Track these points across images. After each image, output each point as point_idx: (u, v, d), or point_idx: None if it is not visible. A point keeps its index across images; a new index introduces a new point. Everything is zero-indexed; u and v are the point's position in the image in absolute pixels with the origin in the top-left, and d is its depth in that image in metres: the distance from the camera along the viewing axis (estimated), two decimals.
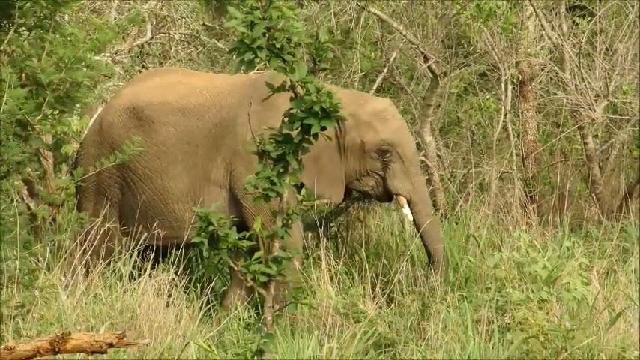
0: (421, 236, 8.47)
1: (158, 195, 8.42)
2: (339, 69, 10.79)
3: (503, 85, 10.54)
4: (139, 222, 8.40)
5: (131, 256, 8.13)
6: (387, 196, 8.57)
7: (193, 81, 8.67)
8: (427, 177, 10.01)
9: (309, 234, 8.85)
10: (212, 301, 8.17)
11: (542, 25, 10.42)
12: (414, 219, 8.51)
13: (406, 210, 8.47)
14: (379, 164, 8.48)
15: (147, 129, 8.44)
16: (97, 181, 8.51)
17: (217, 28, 11.22)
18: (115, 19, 10.22)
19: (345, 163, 8.47)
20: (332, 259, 8.52)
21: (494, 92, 11.09)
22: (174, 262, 8.14)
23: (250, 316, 8.10)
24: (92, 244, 8.10)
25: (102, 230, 8.21)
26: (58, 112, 7.44)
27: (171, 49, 11.11)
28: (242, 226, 7.86)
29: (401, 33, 10.46)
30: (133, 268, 8.04)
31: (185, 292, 8.02)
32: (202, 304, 7.89)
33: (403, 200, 8.47)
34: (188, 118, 8.44)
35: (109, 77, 9.75)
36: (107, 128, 8.56)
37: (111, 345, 5.69)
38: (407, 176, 8.48)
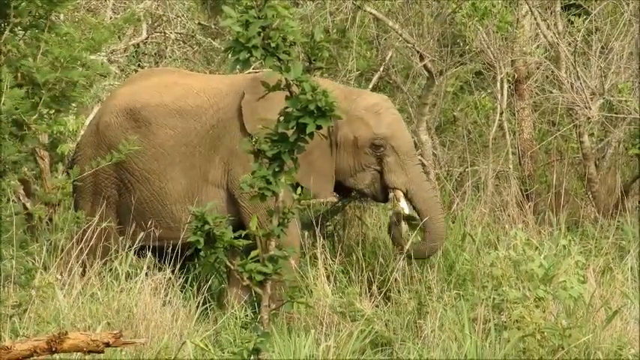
0: (424, 224, 8.43)
1: (156, 196, 8.42)
2: (334, 68, 10.79)
3: (499, 83, 10.55)
4: (136, 223, 8.41)
5: (127, 256, 8.13)
6: (383, 194, 8.55)
7: (190, 82, 8.67)
8: None
9: (306, 233, 8.85)
10: (209, 301, 8.16)
11: (537, 24, 10.43)
12: (415, 208, 8.48)
13: (402, 204, 8.44)
14: (373, 159, 8.46)
15: (144, 131, 8.43)
16: (94, 181, 8.51)
17: (213, 27, 11.22)
18: (110, 18, 10.22)
19: (338, 160, 8.46)
20: (328, 257, 8.51)
21: (490, 91, 11.10)
22: (170, 261, 8.14)
23: (247, 315, 8.10)
24: (88, 244, 8.10)
25: (98, 230, 8.21)
26: (53, 111, 7.43)
27: (166, 48, 11.11)
28: (240, 225, 7.87)
29: (396, 32, 10.45)
30: (130, 267, 8.04)
31: (182, 291, 8.02)
32: (199, 303, 7.89)
33: (399, 194, 8.45)
34: (186, 120, 8.44)
35: (105, 77, 9.74)
36: (104, 129, 8.55)
37: (108, 344, 5.70)
38: (402, 169, 8.46)
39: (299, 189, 6.23)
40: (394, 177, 8.46)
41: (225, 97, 8.45)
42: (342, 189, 8.67)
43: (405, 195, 8.45)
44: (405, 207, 8.44)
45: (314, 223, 8.66)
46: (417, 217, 8.48)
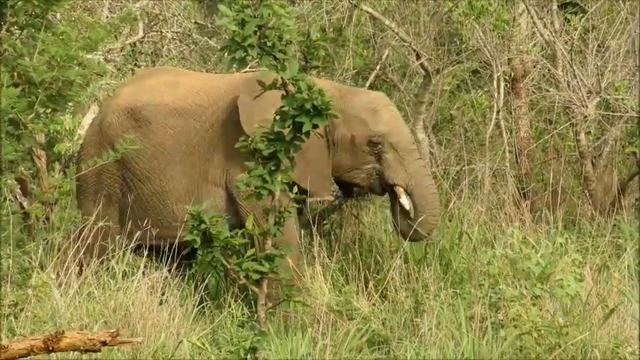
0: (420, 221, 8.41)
1: (157, 195, 8.44)
2: (331, 67, 10.80)
3: (495, 82, 10.54)
4: (138, 221, 8.42)
5: (124, 255, 8.14)
6: (380, 188, 8.55)
7: (190, 82, 8.68)
8: None
9: (302, 232, 8.85)
10: (205, 300, 8.17)
11: (534, 22, 10.43)
12: (413, 203, 8.46)
13: (403, 200, 8.43)
14: (372, 157, 8.47)
15: (144, 130, 8.45)
16: (98, 180, 8.53)
17: (209, 26, 11.21)
18: (107, 17, 10.22)
19: (336, 158, 8.46)
20: (325, 256, 8.52)
21: (486, 89, 11.11)
22: (167, 260, 8.14)
23: (244, 314, 8.10)
24: (87, 243, 8.11)
25: (97, 229, 8.22)
26: (50, 110, 7.44)
27: (163, 47, 11.10)
28: (240, 224, 7.87)
29: (393, 30, 10.46)
30: (127, 266, 8.04)
31: (178, 290, 8.01)
32: (196, 302, 7.89)
33: (400, 190, 8.44)
34: (185, 120, 8.45)
35: (102, 76, 9.74)
36: (106, 129, 8.57)
37: (104, 343, 5.69)
38: (401, 165, 8.45)
39: (295, 188, 6.23)
40: (393, 173, 8.46)
41: (224, 96, 8.46)
42: (342, 185, 8.68)
43: (405, 190, 8.45)
44: (405, 203, 8.43)
45: (311, 221, 8.66)
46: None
